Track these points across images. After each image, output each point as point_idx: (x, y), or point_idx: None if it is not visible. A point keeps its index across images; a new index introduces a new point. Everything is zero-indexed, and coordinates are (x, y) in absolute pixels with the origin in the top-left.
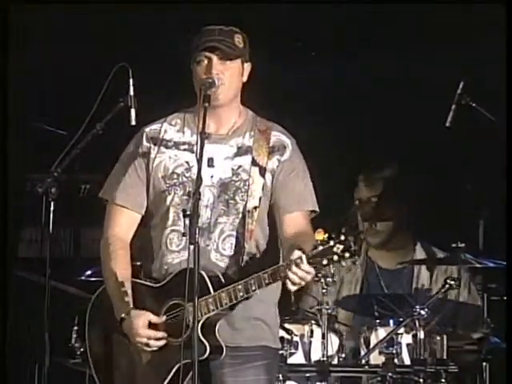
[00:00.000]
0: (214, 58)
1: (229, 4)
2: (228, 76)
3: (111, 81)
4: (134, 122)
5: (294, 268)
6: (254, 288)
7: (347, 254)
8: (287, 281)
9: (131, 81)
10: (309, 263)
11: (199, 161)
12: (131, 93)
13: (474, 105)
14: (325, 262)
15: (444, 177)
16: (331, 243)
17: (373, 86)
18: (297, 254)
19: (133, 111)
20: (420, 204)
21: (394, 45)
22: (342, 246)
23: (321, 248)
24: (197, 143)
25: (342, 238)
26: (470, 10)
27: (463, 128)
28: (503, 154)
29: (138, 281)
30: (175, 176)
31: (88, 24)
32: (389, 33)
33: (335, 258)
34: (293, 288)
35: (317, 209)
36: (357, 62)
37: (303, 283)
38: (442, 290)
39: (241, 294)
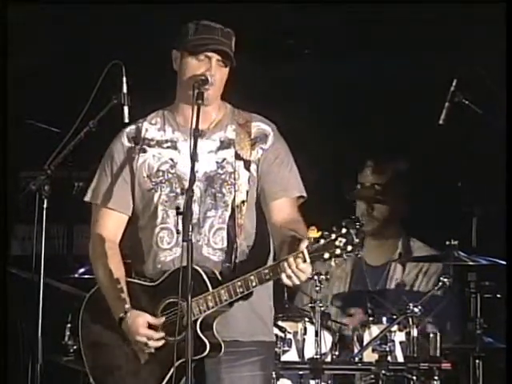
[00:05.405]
0: (213, 60)
1: (227, 4)
2: (219, 79)
3: (104, 78)
4: (127, 120)
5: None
6: (254, 284)
7: (349, 248)
8: (283, 276)
9: (124, 79)
10: (310, 257)
11: (193, 158)
12: (124, 90)
13: (467, 102)
14: (326, 255)
15: (437, 174)
16: (333, 236)
17: (370, 84)
18: (303, 245)
19: (126, 109)
20: (413, 201)
21: (393, 44)
22: (344, 240)
23: (322, 241)
24: (190, 141)
25: (344, 231)
26: (470, 10)
27: (456, 125)
28: (496, 152)
29: (132, 280)
30: (160, 174)
31: (87, 23)
32: (388, 32)
33: (337, 251)
34: (289, 282)
35: (304, 194)
36: (356, 61)
37: (303, 278)
38: (436, 288)
39: (240, 290)
